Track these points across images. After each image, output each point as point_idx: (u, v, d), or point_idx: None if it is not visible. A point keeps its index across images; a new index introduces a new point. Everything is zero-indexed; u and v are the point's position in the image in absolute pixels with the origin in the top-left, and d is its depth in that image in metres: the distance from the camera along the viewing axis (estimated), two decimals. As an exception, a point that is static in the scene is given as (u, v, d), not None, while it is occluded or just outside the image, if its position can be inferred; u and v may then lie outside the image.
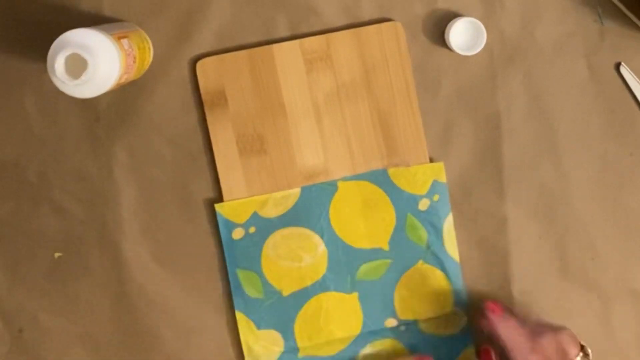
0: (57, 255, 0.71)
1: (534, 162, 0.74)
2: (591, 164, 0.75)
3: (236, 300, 0.73)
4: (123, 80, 0.61)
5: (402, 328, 0.74)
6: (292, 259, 0.73)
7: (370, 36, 0.72)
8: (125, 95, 0.72)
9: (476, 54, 0.73)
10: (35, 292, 0.72)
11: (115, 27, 0.65)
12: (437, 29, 0.73)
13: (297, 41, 0.72)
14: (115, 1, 0.71)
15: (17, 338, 0.73)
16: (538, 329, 0.68)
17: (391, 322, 0.74)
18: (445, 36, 0.72)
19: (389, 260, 0.73)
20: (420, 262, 0.74)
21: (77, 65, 0.57)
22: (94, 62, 0.57)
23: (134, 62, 0.63)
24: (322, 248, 0.73)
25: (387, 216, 0.73)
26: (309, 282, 0.73)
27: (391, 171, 0.73)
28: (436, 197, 0.73)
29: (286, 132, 0.72)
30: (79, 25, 0.61)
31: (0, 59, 0.71)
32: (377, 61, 0.72)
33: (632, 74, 0.74)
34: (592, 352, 0.75)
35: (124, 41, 0.62)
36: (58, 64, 0.57)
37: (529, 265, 0.75)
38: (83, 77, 0.57)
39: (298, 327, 0.73)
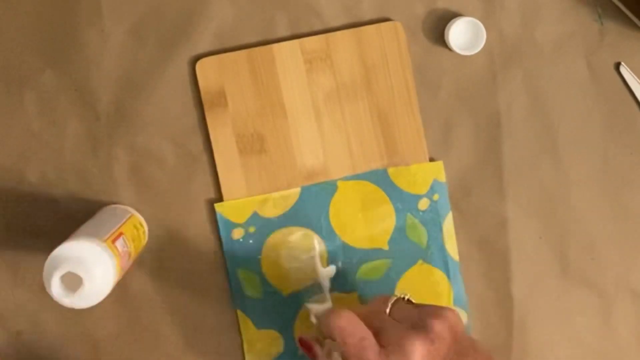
0: (57, 255, 0.71)
1: (534, 162, 0.74)
2: (591, 163, 0.75)
3: (236, 300, 0.73)
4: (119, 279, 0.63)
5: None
6: (292, 258, 0.73)
7: (370, 36, 0.72)
8: (125, 95, 0.72)
9: (476, 54, 0.73)
10: (34, 292, 0.72)
11: (109, 223, 0.66)
12: (437, 29, 0.73)
13: (297, 41, 0.72)
14: (115, 1, 0.71)
15: (15, 340, 0.73)
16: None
17: (391, 322, 0.73)
18: (445, 36, 0.72)
19: (389, 260, 0.73)
20: (420, 262, 0.74)
21: (73, 279, 0.59)
22: (89, 277, 0.58)
23: (129, 258, 0.65)
24: (322, 248, 0.73)
25: (387, 216, 0.73)
26: (309, 282, 0.73)
27: (391, 171, 0.73)
28: (436, 197, 0.73)
29: (286, 132, 0.72)
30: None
31: (0, 58, 0.71)
32: (377, 61, 0.72)
33: (632, 74, 0.74)
34: (592, 352, 0.76)
35: (119, 242, 0.63)
36: (54, 282, 0.58)
37: (529, 265, 0.75)
38: (78, 295, 0.59)
39: (298, 327, 0.73)
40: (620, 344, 0.76)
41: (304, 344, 0.66)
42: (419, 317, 0.59)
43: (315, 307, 0.69)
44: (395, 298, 0.63)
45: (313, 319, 0.69)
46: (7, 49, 0.71)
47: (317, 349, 0.65)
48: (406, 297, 0.63)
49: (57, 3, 0.71)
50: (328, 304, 0.71)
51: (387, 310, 0.61)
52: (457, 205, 0.74)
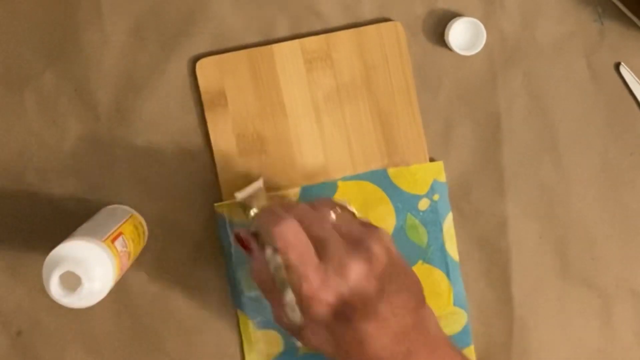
0: (57, 255, 0.71)
1: (534, 162, 0.74)
2: (591, 163, 0.75)
3: (236, 300, 0.73)
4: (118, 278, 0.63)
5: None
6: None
7: (370, 36, 0.72)
8: (125, 95, 0.72)
9: (476, 54, 0.73)
10: (34, 292, 0.72)
11: (108, 223, 0.66)
12: (437, 29, 0.73)
13: (297, 41, 0.72)
14: (115, 1, 0.71)
15: (15, 340, 0.73)
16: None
17: (391, 322, 0.73)
18: (445, 36, 0.72)
19: (389, 260, 0.73)
20: (420, 262, 0.74)
21: (72, 279, 0.59)
22: (88, 277, 0.58)
23: (129, 258, 0.65)
24: (322, 248, 0.73)
25: (387, 216, 0.73)
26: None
27: (391, 171, 0.73)
28: (436, 197, 0.73)
29: (286, 132, 0.72)
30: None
31: (0, 58, 0.71)
32: (377, 61, 0.72)
33: (632, 73, 0.74)
34: (592, 352, 0.76)
35: (118, 242, 0.63)
36: (53, 282, 0.58)
37: (529, 265, 0.75)
38: (77, 294, 0.59)
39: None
40: (620, 344, 0.76)
41: (240, 240, 0.64)
42: (358, 236, 0.60)
43: (249, 199, 0.67)
44: (339, 209, 0.63)
45: (252, 213, 0.66)
46: (8, 49, 0.71)
47: (254, 246, 0.63)
48: (350, 209, 0.63)
49: (57, 3, 0.71)
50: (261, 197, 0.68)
51: (332, 219, 0.62)
52: (457, 205, 0.74)
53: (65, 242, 0.60)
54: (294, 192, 0.72)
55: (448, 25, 0.72)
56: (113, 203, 0.72)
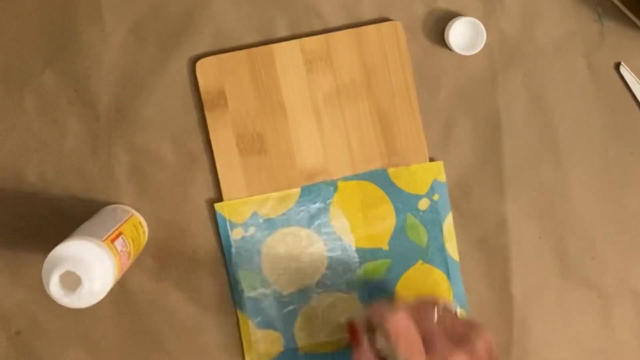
0: (57, 255, 0.71)
1: (534, 161, 0.74)
2: (591, 163, 0.75)
3: (236, 300, 0.73)
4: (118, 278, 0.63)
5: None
6: (292, 258, 0.73)
7: (370, 36, 0.72)
8: (125, 95, 0.72)
9: (476, 54, 0.73)
10: (34, 292, 0.72)
11: (108, 223, 0.66)
12: (437, 29, 0.73)
13: (297, 41, 0.72)
14: (115, 1, 0.71)
15: (14, 340, 0.73)
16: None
17: (391, 322, 0.73)
18: (445, 36, 0.72)
19: (389, 260, 0.73)
20: (420, 262, 0.74)
21: (71, 278, 0.59)
22: (88, 277, 0.59)
23: (129, 258, 0.65)
24: (321, 248, 0.73)
25: (387, 216, 0.73)
26: (308, 282, 0.73)
27: (391, 171, 0.73)
28: (436, 197, 0.73)
29: (286, 132, 0.72)
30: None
31: (0, 59, 0.71)
32: (377, 61, 0.72)
33: (632, 74, 0.74)
34: (592, 351, 0.76)
35: (118, 241, 0.63)
36: (53, 282, 0.59)
37: (529, 265, 0.75)
38: (77, 294, 0.59)
39: (298, 326, 0.73)
40: (620, 344, 0.76)
41: (352, 329, 0.67)
42: (462, 333, 0.63)
43: None
44: (442, 307, 0.66)
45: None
46: (7, 49, 0.71)
47: (363, 337, 0.65)
48: (454, 310, 0.66)
49: (57, 3, 0.71)
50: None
51: (436, 319, 0.64)
52: (457, 205, 0.74)
53: (65, 242, 0.60)
54: (294, 192, 0.72)
55: (448, 25, 0.72)
56: (113, 203, 0.72)
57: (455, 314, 0.67)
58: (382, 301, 0.67)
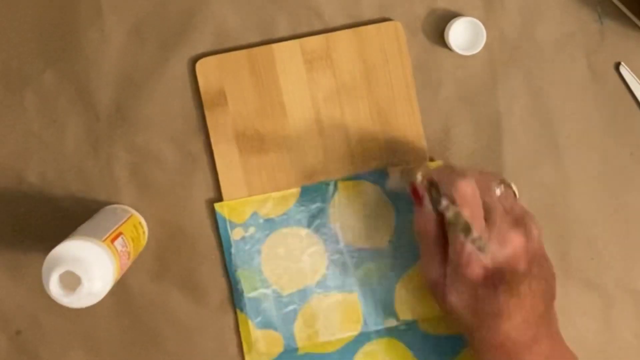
0: (57, 255, 0.71)
1: (534, 161, 0.74)
2: (591, 163, 0.75)
3: (236, 300, 0.73)
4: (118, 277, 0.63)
5: (402, 328, 0.73)
6: (292, 258, 0.73)
7: (370, 36, 0.72)
8: (125, 95, 0.72)
9: (476, 54, 0.73)
10: (34, 292, 0.72)
11: (108, 223, 0.66)
12: (437, 29, 0.73)
13: (297, 41, 0.72)
14: (115, 1, 0.71)
15: (14, 340, 0.73)
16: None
17: (391, 322, 0.73)
18: (445, 36, 0.72)
19: (389, 260, 0.73)
20: (420, 262, 0.73)
21: (71, 278, 0.59)
22: (87, 277, 0.58)
23: (128, 258, 0.65)
24: (321, 248, 0.73)
25: (387, 216, 0.73)
26: (308, 282, 0.73)
27: (391, 170, 0.73)
28: (436, 197, 0.73)
29: (286, 132, 0.72)
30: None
31: (0, 59, 0.71)
32: (377, 61, 0.72)
33: (632, 74, 0.74)
34: (592, 352, 0.75)
35: (118, 241, 0.63)
36: (52, 282, 0.58)
37: (529, 265, 0.75)
38: (77, 294, 0.59)
39: (298, 326, 0.73)
40: (620, 344, 0.76)
41: (415, 189, 0.67)
42: (520, 214, 0.64)
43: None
44: (503, 183, 0.66)
45: (419, 177, 0.67)
46: (8, 48, 0.71)
47: (426, 199, 0.65)
48: (514, 189, 0.67)
49: (57, 3, 0.71)
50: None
51: (498, 193, 0.65)
52: (457, 205, 0.74)
53: (65, 242, 0.60)
54: (294, 192, 0.72)
55: (448, 25, 0.72)
56: (113, 203, 0.72)
57: (515, 195, 0.68)
58: (448, 165, 0.68)
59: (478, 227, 0.62)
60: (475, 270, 0.62)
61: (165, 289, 0.73)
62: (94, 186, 0.72)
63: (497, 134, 0.74)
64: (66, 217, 0.72)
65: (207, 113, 0.72)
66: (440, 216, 0.65)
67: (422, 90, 0.73)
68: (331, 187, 0.72)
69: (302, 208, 0.72)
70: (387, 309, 0.73)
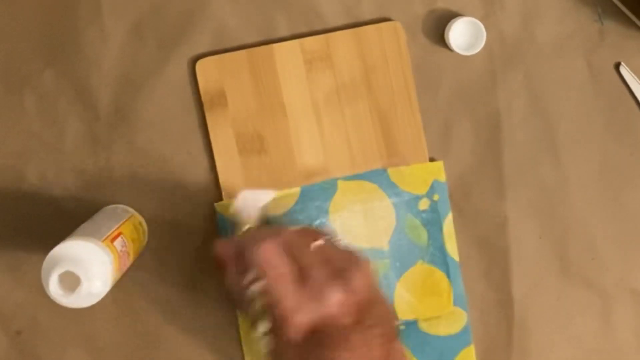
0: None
1: (534, 162, 0.74)
2: (591, 164, 0.75)
3: (236, 300, 0.73)
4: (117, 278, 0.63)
5: (402, 328, 0.73)
6: (292, 258, 0.73)
7: (370, 36, 0.72)
8: (125, 95, 0.72)
9: (476, 54, 0.73)
10: (34, 292, 0.72)
11: (108, 223, 0.66)
12: (437, 29, 0.73)
13: (297, 41, 0.72)
14: (115, 1, 0.71)
15: (14, 340, 0.73)
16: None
17: (391, 322, 0.73)
18: (445, 36, 0.72)
19: (389, 260, 0.73)
20: (420, 262, 0.74)
21: (71, 278, 0.59)
22: (87, 277, 0.58)
23: (128, 258, 0.65)
24: (322, 248, 0.73)
25: (387, 216, 0.73)
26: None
27: (391, 171, 0.73)
28: (436, 197, 0.73)
29: (286, 132, 0.72)
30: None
31: (0, 59, 0.71)
32: (377, 61, 0.72)
33: (632, 74, 0.74)
34: (592, 352, 0.76)
35: (117, 241, 0.63)
36: (52, 282, 0.58)
37: (529, 265, 0.75)
38: (77, 294, 0.59)
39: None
40: (620, 344, 0.76)
41: (220, 252, 0.64)
42: (341, 266, 0.60)
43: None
44: (325, 238, 0.63)
45: (244, 229, 0.65)
46: (7, 48, 0.71)
47: (231, 265, 0.62)
48: (337, 238, 0.64)
49: (57, 3, 0.71)
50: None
51: (312, 248, 0.62)
52: (457, 205, 0.74)
53: (64, 242, 0.60)
54: (294, 192, 0.72)
55: (448, 25, 0.72)
56: (113, 203, 0.72)
57: (340, 243, 0.64)
58: (258, 229, 0.64)
59: (284, 290, 0.58)
60: (293, 332, 0.58)
61: (165, 289, 0.73)
62: (94, 186, 0.72)
63: (497, 134, 0.74)
64: (66, 217, 0.72)
65: (207, 113, 0.72)
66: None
67: (422, 90, 0.73)
68: (331, 187, 0.72)
69: (302, 208, 0.72)
70: (387, 309, 0.73)
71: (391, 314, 0.62)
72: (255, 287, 0.59)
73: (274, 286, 0.58)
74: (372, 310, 0.60)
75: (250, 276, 0.60)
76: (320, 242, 0.62)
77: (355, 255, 0.62)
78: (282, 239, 0.61)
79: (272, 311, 0.58)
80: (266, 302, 0.59)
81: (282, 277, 0.59)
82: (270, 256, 0.59)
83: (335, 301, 0.58)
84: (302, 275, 0.59)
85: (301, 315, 0.57)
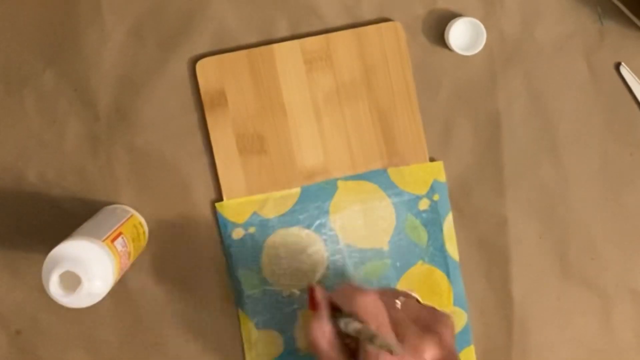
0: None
1: (534, 162, 0.74)
2: (591, 163, 0.75)
3: (236, 300, 0.73)
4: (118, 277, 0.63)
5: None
6: (292, 259, 0.73)
7: (370, 36, 0.72)
8: (125, 95, 0.72)
9: (476, 54, 0.73)
10: (34, 292, 0.72)
11: (108, 223, 0.66)
12: (437, 29, 0.73)
13: (297, 41, 0.72)
14: (115, 1, 0.71)
15: (14, 339, 0.73)
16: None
17: (391, 322, 0.73)
18: (445, 36, 0.72)
19: (389, 260, 0.73)
20: (420, 262, 0.74)
21: (71, 278, 0.59)
22: (87, 277, 0.58)
23: (129, 258, 0.65)
24: (321, 248, 0.73)
25: (387, 216, 0.73)
26: (308, 282, 0.73)
27: (391, 171, 0.73)
28: (436, 197, 0.73)
29: (286, 132, 0.72)
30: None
31: (0, 59, 0.71)
32: (377, 61, 0.72)
33: (632, 74, 0.74)
34: (592, 352, 0.76)
35: (118, 241, 0.63)
36: (52, 282, 0.58)
37: (529, 265, 0.75)
38: (77, 294, 0.59)
39: (298, 327, 0.73)
40: (620, 344, 0.76)
41: (313, 295, 0.64)
42: (428, 321, 0.61)
43: None
44: (404, 296, 0.64)
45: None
46: (7, 48, 0.71)
47: (323, 311, 0.63)
48: (415, 297, 0.64)
49: (57, 3, 0.71)
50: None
51: (399, 306, 0.63)
52: (457, 205, 0.74)
53: (65, 242, 0.60)
54: (294, 192, 0.72)
55: (448, 25, 0.72)
56: (113, 203, 0.72)
57: (417, 300, 0.65)
58: (347, 283, 0.65)
59: (391, 341, 0.58)
60: None
61: (166, 289, 0.73)
62: (94, 186, 0.72)
63: (497, 134, 0.74)
64: (66, 217, 0.72)
65: (207, 113, 0.72)
66: (341, 335, 0.61)
67: (422, 90, 0.73)
68: (331, 187, 0.72)
69: (302, 208, 0.72)
70: (387, 309, 0.73)
71: None
72: (355, 327, 0.59)
73: (377, 334, 0.58)
74: None
75: (344, 323, 0.60)
76: (402, 298, 0.63)
77: (439, 311, 0.63)
78: (378, 293, 0.62)
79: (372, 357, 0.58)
80: (365, 352, 0.58)
81: (382, 327, 0.59)
82: (370, 305, 0.60)
83: (431, 355, 0.59)
84: (397, 332, 0.60)
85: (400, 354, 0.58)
